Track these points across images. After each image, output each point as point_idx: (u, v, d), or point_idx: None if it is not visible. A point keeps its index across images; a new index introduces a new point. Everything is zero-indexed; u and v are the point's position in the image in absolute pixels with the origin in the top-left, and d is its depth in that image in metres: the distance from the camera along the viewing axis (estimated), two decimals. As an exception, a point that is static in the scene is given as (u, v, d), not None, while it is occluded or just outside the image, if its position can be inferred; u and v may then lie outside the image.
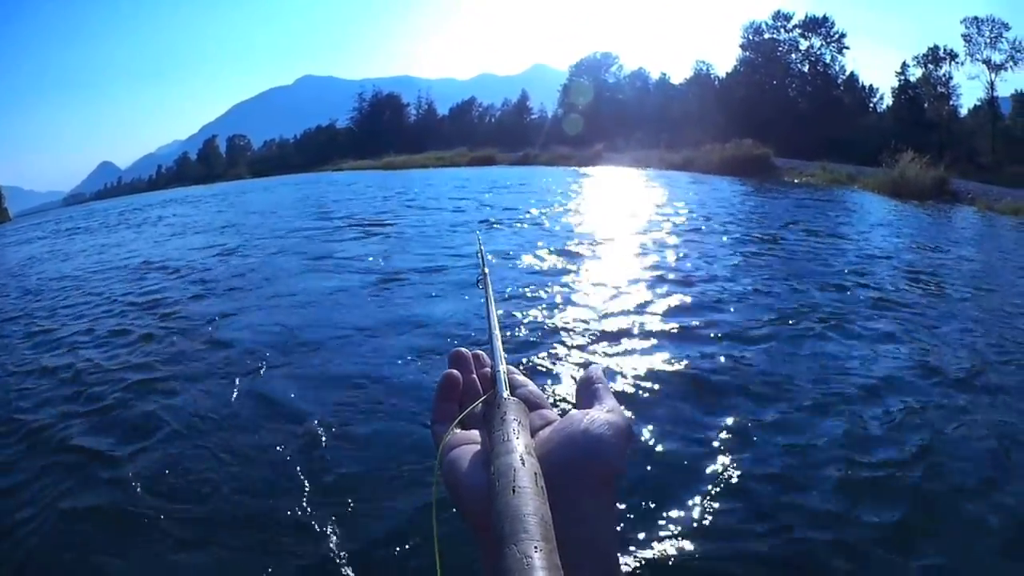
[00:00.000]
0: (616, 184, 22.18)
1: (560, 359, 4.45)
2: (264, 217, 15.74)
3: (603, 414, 0.50)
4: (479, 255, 0.95)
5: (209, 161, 74.27)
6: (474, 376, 0.63)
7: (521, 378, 0.62)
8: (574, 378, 3.96)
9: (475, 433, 0.55)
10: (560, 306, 5.85)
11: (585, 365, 4.22)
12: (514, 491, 0.41)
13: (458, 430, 0.56)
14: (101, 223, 19.15)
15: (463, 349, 0.64)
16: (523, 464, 0.44)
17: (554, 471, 0.46)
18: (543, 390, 0.58)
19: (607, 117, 47.56)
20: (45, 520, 3.00)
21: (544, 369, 4.29)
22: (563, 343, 4.78)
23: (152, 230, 15.43)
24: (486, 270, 0.83)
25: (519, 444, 0.46)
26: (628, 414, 0.42)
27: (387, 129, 62.54)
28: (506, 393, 0.56)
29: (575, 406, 0.55)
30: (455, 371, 0.60)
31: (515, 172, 28.45)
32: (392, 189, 21.21)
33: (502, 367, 0.60)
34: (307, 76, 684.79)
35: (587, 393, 0.55)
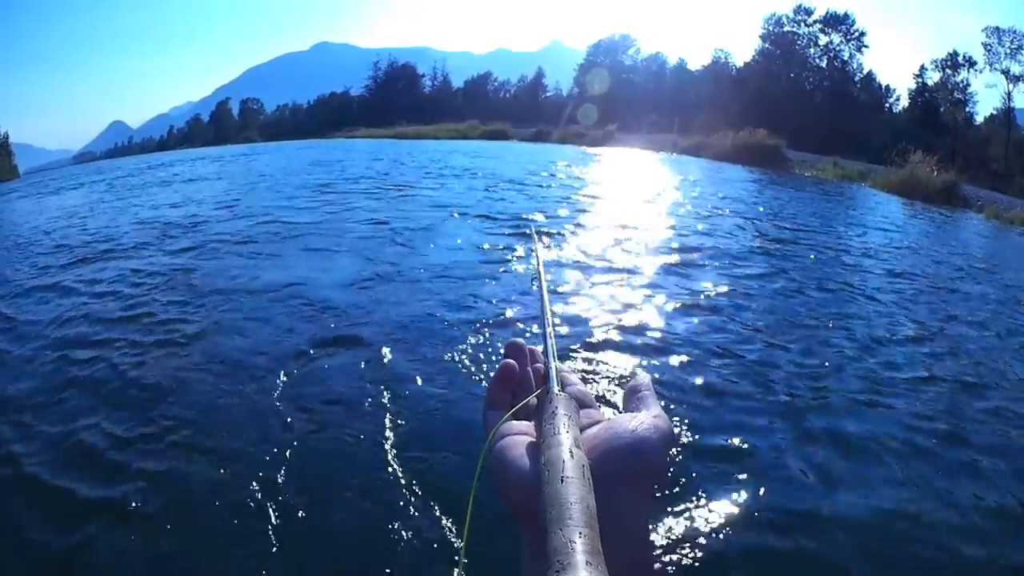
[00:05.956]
0: (631, 166, 22.12)
1: (600, 363, 4.40)
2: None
3: (649, 418, 0.52)
4: (535, 255, 1.00)
5: (221, 123, 73.82)
6: (528, 369, 0.65)
7: (572, 377, 0.64)
8: (619, 384, 4.03)
9: (525, 424, 0.57)
10: (590, 300, 5.69)
11: (631, 372, 4.24)
12: (562, 480, 0.43)
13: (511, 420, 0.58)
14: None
15: (520, 340, 0.67)
16: (571, 456, 0.46)
17: (600, 466, 0.47)
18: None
19: (621, 99, 47.42)
20: None
21: (589, 373, 4.26)
22: (599, 343, 4.71)
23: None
24: (541, 269, 0.84)
25: (568, 437, 0.48)
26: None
27: (400, 99, 62.28)
28: (557, 389, 0.57)
29: (623, 410, 0.58)
30: (513, 361, 0.63)
31: (526, 148, 28.40)
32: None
33: (554, 364, 0.61)
34: (323, 43, 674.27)
35: (634, 398, 0.58)
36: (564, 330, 4.85)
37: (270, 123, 73.01)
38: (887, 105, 48.15)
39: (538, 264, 0.88)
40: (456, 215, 9.59)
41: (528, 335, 4.70)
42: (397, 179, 14.33)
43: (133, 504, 2.86)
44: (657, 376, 4.18)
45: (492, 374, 0.63)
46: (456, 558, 2.46)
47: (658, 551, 2.60)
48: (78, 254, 7.73)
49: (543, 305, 0.72)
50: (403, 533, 2.65)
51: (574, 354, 4.44)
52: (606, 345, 4.65)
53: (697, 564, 2.57)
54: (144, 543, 2.64)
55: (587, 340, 4.70)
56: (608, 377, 4.13)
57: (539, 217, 9.66)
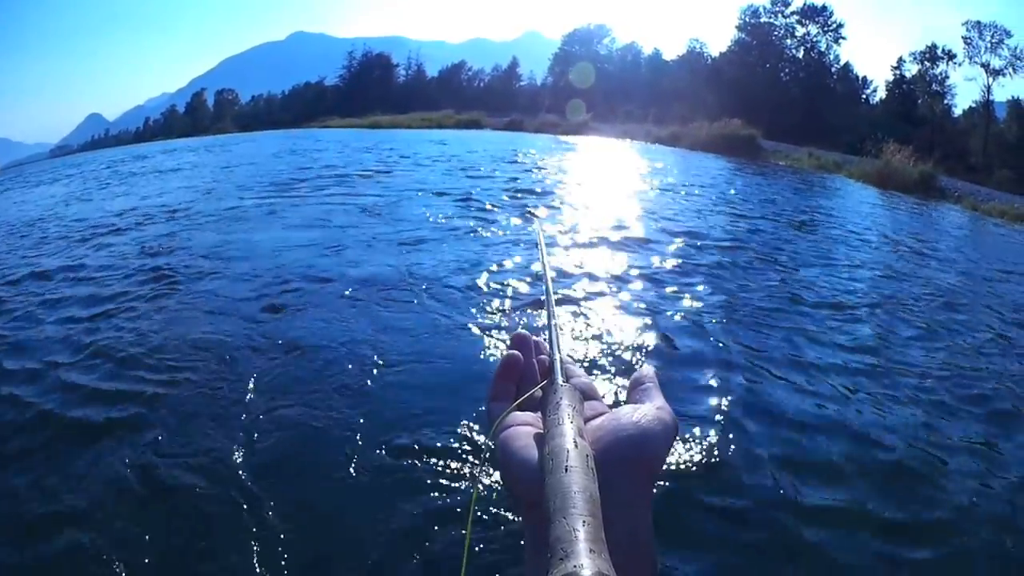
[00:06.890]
0: (606, 154, 21.94)
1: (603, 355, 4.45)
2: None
3: (653, 410, 0.52)
4: (539, 248, 0.92)
5: (196, 115, 72.67)
6: (533, 360, 0.64)
7: (576, 369, 0.64)
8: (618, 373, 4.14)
9: (529, 415, 0.57)
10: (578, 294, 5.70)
11: (635, 364, 4.25)
12: (566, 470, 0.43)
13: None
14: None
15: (526, 332, 0.66)
16: (575, 446, 0.46)
17: (603, 457, 0.48)
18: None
19: (596, 88, 46.93)
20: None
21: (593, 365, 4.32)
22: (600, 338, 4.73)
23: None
24: (545, 261, 0.84)
25: (572, 428, 0.48)
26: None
27: (375, 89, 61.67)
28: (562, 380, 0.57)
29: (626, 402, 0.58)
30: (517, 352, 0.62)
31: (501, 136, 27.97)
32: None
33: (559, 355, 0.61)
34: (299, 32, 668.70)
35: (638, 390, 0.58)
36: (567, 320, 4.96)
37: (245, 114, 72.01)
38: (864, 97, 48.16)
39: (542, 257, 0.87)
40: (427, 195, 10.29)
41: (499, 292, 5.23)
42: (369, 166, 14.72)
43: (112, 462, 3.03)
44: (661, 368, 4.20)
45: (494, 367, 0.63)
46: (462, 539, 2.47)
47: (660, 541, 2.29)
48: (69, 238, 8.07)
49: (548, 297, 0.72)
50: (406, 521, 2.64)
51: (578, 346, 4.51)
52: (610, 337, 4.69)
53: (697, 555, 2.62)
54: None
55: (590, 331, 4.78)
56: (613, 369, 4.20)
57: (520, 200, 9.98)
